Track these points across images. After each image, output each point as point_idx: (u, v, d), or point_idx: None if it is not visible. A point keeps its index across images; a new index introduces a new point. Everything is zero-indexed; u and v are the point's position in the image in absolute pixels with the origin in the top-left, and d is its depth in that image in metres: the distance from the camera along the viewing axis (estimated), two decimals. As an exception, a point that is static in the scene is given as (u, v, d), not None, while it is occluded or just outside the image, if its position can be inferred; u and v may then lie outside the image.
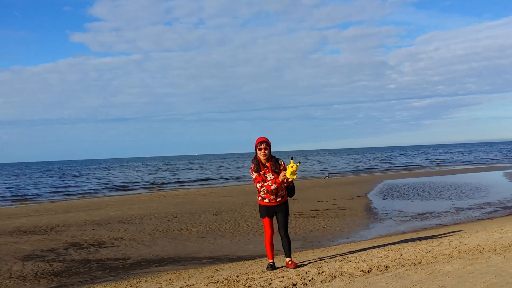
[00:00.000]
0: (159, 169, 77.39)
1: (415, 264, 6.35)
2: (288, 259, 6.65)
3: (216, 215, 15.56)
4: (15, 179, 60.29)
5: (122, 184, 41.66)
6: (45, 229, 13.63)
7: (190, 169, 71.86)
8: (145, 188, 36.84)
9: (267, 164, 6.55)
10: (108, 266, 8.65)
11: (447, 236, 8.96)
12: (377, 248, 7.97)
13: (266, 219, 6.64)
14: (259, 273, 6.30)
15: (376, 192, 22.27)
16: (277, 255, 7.56)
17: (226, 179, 44.03)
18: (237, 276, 6.19)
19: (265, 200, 6.62)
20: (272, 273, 6.19)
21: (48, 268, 8.56)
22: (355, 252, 7.69)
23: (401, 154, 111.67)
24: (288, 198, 6.87)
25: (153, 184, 40.11)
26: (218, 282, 5.94)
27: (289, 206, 6.80)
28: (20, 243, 11.32)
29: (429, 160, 66.41)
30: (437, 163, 56.73)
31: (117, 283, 7.04)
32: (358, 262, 6.58)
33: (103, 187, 39.33)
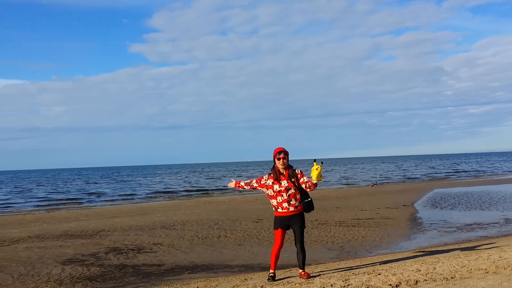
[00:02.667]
0: (210, 175, 78.41)
1: (447, 279, 6.11)
2: (301, 270, 6.72)
3: (257, 222, 15.57)
4: (71, 184, 62.65)
5: (170, 190, 42.49)
6: (91, 234, 14.06)
7: (239, 175, 72.36)
8: (192, 194, 37.41)
9: (284, 173, 6.67)
10: (143, 272, 8.81)
11: (488, 249, 8.57)
12: (411, 261, 7.73)
13: (279, 230, 6.69)
14: (283, 284, 6.25)
15: (424, 201, 21.64)
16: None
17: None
18: (262, 287, 6.16)
19: (278, 209, 6.67)
20: (296, 285, 6.12)
21: (85, 273, 8.82)
22: (388, 264, 7.49)
23: (456, 162, 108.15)
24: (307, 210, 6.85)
25: (200, 190, 40.64)
26: (241, 292, 5.93)
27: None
28: (64, 247, 11.73)
29: (484, 169, 63.93)
30: (491, 172, 54.52)
31: (146, 289, 7.17)
32: (387, 276, 6.40)
33: (153, 192, 40.24)
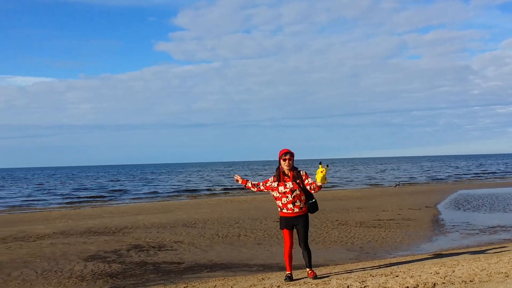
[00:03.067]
0: (232, 173, 78.60)
1: (465, 282, 6.06)
2: (308, 269, 6.82)
3: (277, 221, 15.54)
4: (96, 181, 63.63)
5: (193, 188, 42.82)
6: (114, 231, 14.30)
7: (260, 175, 72.46)
8: (213, 192, 37.64)
9: (288, 174, 6.77)
10: (162, 270, 8.94)
11: (510, 252, 8.45)
12: (430, 263, 7.67)
13: (286, 231, 6.81)
14: (300, 285, 6.28)
15: (447, 202, 21.36)
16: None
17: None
18: (278, 286, 6.21)
19: (283, 210, 6.79)
20: (312, 285, 6.15)
21: (106, 269, 8.99)
22: (407, 266, 7.46)
23: (482, 163, 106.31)
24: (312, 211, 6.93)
25: (223, 188, 40.83)
26: (257, 291, 5.99)
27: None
28: (88, 244, 11.97)
29: (510, 170, 62.70)
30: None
31: (165, 287, 7.28)
32: (405, 278, 6.38)
33: (175, 190, 40.63)
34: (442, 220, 15.53)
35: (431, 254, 9.66)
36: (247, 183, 7.19)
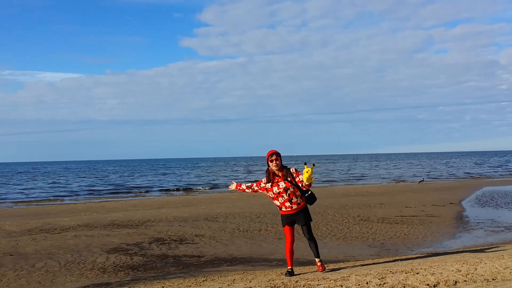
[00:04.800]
0: (255, 168, 78.85)
1: (488, 281, 5.95)
2: (317, 259, 7.00)
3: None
4: (122, 175, 64.48)
5: (216, 182, 43.07)
6: (137, 224, 14.47)
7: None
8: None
9: (279, 174, 6.83)
10: (183, 263, 9.02)
11: (535, 251, 8.26)
12: (452, 260, 7.55)
13: (287, 227, 6.95)
14: (318, 280, 6.25)
15: (472, 199, 21.01)
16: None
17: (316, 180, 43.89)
18: (296, 282, 6.19)
19: (282, 209, 6.90)
20: (331, 281, 6.12)
21: (128, 262, 9.12)
22: (428, 263, 7.35)
23: (510, 159, 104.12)
24: (310, 204, 7.03)
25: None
26: (275, 286, 5.98)
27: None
28: (111, 236, 12.14)
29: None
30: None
31: (185, 280, 7.34)
32: (425, 275, 6.29)
33: (198, 184, 40.92)
34: (466, 217, 15.28)
35: (453, 251, 9.52)
36: (241, 186, 7.26)
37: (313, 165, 6.70)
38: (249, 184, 7.26)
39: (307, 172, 6.57)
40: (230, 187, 7.46)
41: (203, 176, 55.27)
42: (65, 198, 30.92)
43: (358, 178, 46.67)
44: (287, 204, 6.84)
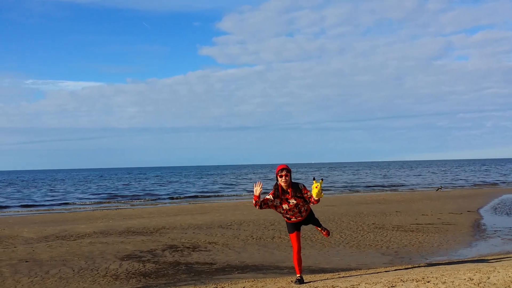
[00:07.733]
0: (272, 176, 78.68)
1: (500, 290, 5.86)
2: (319, 228, 7.42)
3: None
4: (140, 182, 64.96)
5: (231, 190, 43.19)
6: (151, 231, 14.56)
7: (299, 179, 72.12)
8: (252, 194, 37.74)
9: (288, 190, 6.74)
10: (194, 270, 9.05)
11: (551, 260, 8.11)
12: (465, 269, 7.45)
13: (295, 234, 6.97)
14: (327, 287, 6.23)
15: (490, 207, 20.70)
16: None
17: (335, 187, 43.73)
18: (305, 289, 6.18)
19: (292, 219, 6.96)
20: (340, 289, 6.09)
21: (140, 269, 9.17)
22: (440, 272, 7.26)
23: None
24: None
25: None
26: (284, 293, 5.98)
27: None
28: (125, 243, 12.23)
29: None
30: None
31: (196, 287, 7.37)
32: (436, 284, 6.22)
33: (213, 192, 41.06)
34: (484, 225, 15.05)
35: (468, 259, 9.39)
36: (257, 201, 6.69)
37: (322, 180, 6.64)
38: (260, 200, 6.72)
39: (316, 187, 6.54)
40: (255, 190, 6.69)
41: (222, 184, 55.41)
42: (82, 205, 31.33)
43: (375, 185, 46.32)
44: (297, 215, 6.91)
